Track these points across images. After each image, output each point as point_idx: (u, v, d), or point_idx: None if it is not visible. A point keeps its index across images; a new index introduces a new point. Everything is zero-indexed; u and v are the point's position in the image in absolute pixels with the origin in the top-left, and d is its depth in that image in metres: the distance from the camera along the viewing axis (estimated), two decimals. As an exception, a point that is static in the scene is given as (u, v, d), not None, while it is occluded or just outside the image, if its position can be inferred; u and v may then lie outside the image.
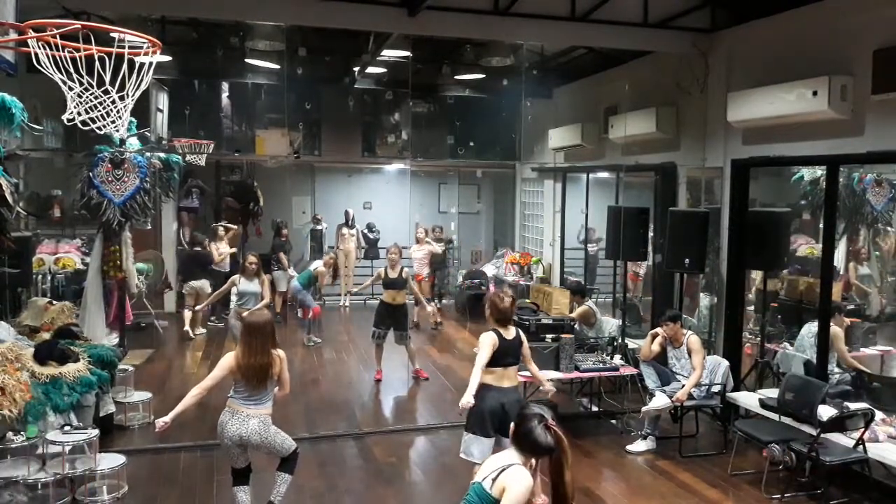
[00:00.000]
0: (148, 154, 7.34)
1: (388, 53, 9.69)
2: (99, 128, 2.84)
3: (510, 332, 4.97)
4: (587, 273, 11.23)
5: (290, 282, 11.26)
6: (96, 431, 5.20)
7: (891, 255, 7.61)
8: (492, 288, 12.65)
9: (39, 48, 2.58)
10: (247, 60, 10.22)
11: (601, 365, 6.88)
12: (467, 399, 4.55)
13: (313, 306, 10.25)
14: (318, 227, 12.66)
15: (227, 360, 4.51)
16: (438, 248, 11.77)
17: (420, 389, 8.43)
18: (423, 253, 10.85)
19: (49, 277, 8.69)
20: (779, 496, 5.45)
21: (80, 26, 2.57)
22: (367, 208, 13.78)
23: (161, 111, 10.32)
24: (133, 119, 6.53)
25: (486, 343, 4.83)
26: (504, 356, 4.86)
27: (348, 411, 7.54)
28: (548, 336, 6.86)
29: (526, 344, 5.05)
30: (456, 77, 11.67)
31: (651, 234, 8.40)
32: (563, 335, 6.87)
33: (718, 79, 7.44)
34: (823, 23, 6.18)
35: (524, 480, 2.68)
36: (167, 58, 9.26)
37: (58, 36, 2.56)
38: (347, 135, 12.73)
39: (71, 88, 2.68)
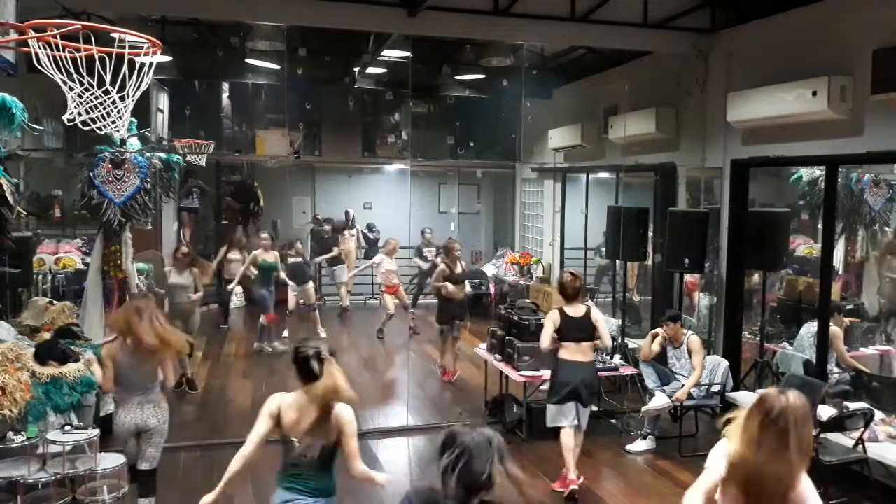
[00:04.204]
0: (148, 154, 7.33)
1: (388, 54, 9.70)
2: (99, 128, 2.85)
3: (577, 310, 5.46)
4: (599, 277, 11.26)
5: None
6: (97, 431, 5.20)
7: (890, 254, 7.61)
8: (492, 288, 12.66)
9: (40, 48, 2.59)
10: (247, 61, 10.23)
11: (601, 365, 6.87)
12: None
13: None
14: (319, 228, 12.65)
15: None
16: (423, 263, 11.78)
17: (420, 389, 8.43)
18: (396, 266, 10.66)
19: (49, 277, 8.69)
20: (778, 496, 5.45)
21: (80, 26, 2.58)
22: (367, 208, 13.78)
23: (161, 111, 10.32)
24: (133, 119, 6.52)
25: (547, 320, 5.54)
26: (569, 331, 5.38)
27: (348, 411, 7.53)
28: (547, 336, 6.85)
29: (595, 318, 5.49)
30: (456, 77, 11.67)
31: (651, 234, 8.41)
32: (562, 335, 6.87)
33: (718, 79, 7.45)
34: (823, 23, 6.19)
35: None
36: (167, 58, 9.26)
37: (58, 36, 2.57)
38: (347, 135, 12.73)
39: (71, 89, 2.69)
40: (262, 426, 3.23)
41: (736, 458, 2.73)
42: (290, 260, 10.36)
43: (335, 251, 11.90)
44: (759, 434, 2.66)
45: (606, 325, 8.22)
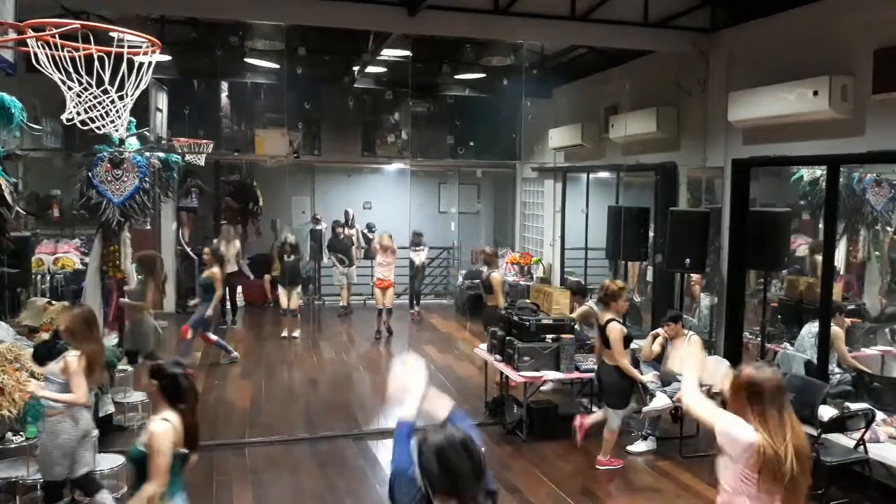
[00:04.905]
0: (147, 154, 7.31)
1: (388, 53, 9.69)
2: (98, 127, 2.84)
3: (603, 319, 6.01)
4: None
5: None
6: (96, 432, 5.17)
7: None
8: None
9: (39, 48, 2.58)
10: (246, 60, 10.22)
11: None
12: None
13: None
14: (318, 227, 12.65)
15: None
16: (418, 257, 11.87)
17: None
18: (389, 261, 10.65)
19: (48, 277, 8.68)
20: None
21: (79, 26, 2.56)
22: (367, 208, 13.78)
23: (160, 111, 10.28)
24: (132, 119, 6.51)
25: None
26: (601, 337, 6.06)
27: (348, 411, 7.53)
28: (548, 336, 6.84)
29: (608, 332, 5.90)
30: (456, 77, 11.66)
31: (651, 234, 8.39)
32: (563, 335, 6.86)
33: (719, 78, 7.43)
34: (823, 23, 6.18)
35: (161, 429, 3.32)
36: (166, 57, 9.25)
37: (57, 35, 2.55)
38: (347, 135, 12.72)
39: (70, 88, 2.67)
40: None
41: (770, 447, 2.80)
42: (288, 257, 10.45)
43: (359, 252, 12.06)
44: (769, 412, 2.84)
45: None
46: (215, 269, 8.88)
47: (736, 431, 2.86)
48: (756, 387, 2.86)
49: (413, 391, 2.54)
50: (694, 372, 3.42)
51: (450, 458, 2.23)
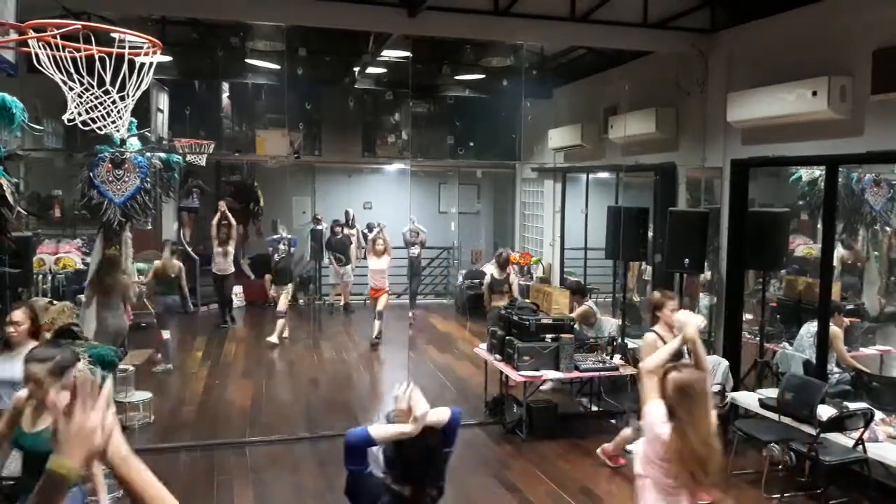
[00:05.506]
0: (148, 154, 7.33)
1: (389, 54, 9.70)
2: (99, 128, 2.85)
3: None
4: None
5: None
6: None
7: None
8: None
9: (40, 48, 2.59)
10: (247, 61, 10.23)
11: (601, 365, 6.89)
12: None
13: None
14: (319, 227, 12.67)
15: None
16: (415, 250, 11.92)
17: (420, 389, 8.43)
18: (385, 265, 10.47)
19: (49, 277, 8.70)
20: (778, 496, 5.46)
21: (80, 26, 2.58)
22: (367, 208, 13.79)
23: (161, 111, 10.32)
24: (133, 119, 6.52)
25: None
26: None
27: (348, 411, 7.54)
28: (547, 336, 6.86)
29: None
30: (456, 77, 11.67)
31: (651, 234, 8.40)
32: (562, 335, 6.88)
33: (718, 79, 7.45)
34: (823, 23, 6.19)
35: None
36: (167, 58, 9.26)
37: (58, 36, 2.56)
38: (347, 135, 12.75)
39: (71, 89, 2.69)
40: None
41: (681, 444, 2.96)
42: (278, 257, 10.47)
43: (360, 252, 12.07)
44: (688, 412, 2.98)
45: (607, 324, 8.37)
46: (157, 262, 8.98)
47: (655, 418, 3.06)
48: (676, 386, 3.06)
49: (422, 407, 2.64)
50: (675, 345, 3.50)
51: (403, 445, 2.38)
